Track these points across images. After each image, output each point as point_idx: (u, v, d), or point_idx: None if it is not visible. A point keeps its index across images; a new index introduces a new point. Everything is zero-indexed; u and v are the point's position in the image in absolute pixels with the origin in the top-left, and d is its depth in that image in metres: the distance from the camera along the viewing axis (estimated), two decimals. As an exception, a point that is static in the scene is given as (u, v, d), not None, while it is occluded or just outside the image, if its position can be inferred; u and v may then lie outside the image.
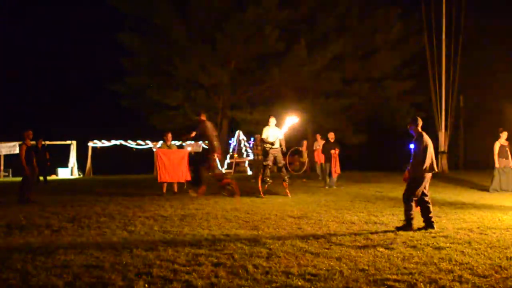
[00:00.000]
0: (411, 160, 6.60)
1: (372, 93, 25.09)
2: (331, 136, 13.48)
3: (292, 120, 11.14)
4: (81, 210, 8.74)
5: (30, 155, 10.02)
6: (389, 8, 24.67)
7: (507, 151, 11.85)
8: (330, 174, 13.38)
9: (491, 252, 5.05)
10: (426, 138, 6.59)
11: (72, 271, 4.42)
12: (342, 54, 24.40)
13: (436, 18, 21.64)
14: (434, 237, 5.89)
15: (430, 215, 6.51)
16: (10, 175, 20.12)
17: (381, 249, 5.21)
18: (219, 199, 10.59)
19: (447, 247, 5.29)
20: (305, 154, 17.60)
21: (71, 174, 21.07)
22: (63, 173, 20.83)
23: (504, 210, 8.33)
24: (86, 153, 21.39)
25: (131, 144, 22.18)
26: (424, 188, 6.56)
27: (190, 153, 11.12)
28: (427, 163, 6.42)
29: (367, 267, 4.48)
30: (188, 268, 4.52)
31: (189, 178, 11.69)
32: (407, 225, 6.42)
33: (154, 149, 22.07)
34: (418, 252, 5.08)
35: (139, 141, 22.41)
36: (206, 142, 9.99)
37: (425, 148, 6.47)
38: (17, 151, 15.06)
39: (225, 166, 23.40)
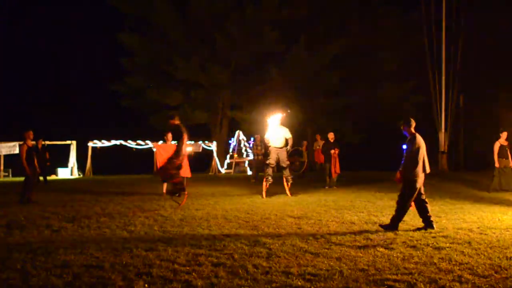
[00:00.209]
0: (402, 161, 6.59)
1: (372, 93, 25.10)
2: (331, 136, 13.48)
3: (276, 118, 11.07)
4: (81, 210, 8.74)
5: (31, 155, 10.01)
6: (389, 8, 24.69)
7: (507, 151, 11.84)
8: (330, 174, 13.39)
9: (491, 252, 5.05)
10: (419, 139, 6.56)
11: (72, 271, 4.42)
12: (342, 54, 24.42)
13: (436, 18, 21.64)
14: (434, 237, 5.89)
15: (428, 215, 6.51)
16: (10, 175, 20.11)
17: (381, 249, 5.21)
18: (219, 199, 10.59)
19: (447, 247, 5.29)
20: (304, 154, 17.59)
21: (71, 174, 21.07)
22: (63, 173, 20.83)
23: (504, 210, 8.33)
24: (86, 153, 21.39)
25: (131, 144, 22.18)
26: (420, 189, 6.54)
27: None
28: (419, 164, 6.40)
29: (367, 267, 4.48)
30: (188, 268, 4.52)
31: (189, 174, 11.68)
32: (392, 226, 6.40)
33: (154, 149, 22.10)
34: (418, 252, 5.08)
35: (139, 141, 22.41)
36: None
37: (418, 149, 6.46)
38: (17, 151, 15.09)
39: (225, 166, 23.42)
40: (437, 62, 21.95)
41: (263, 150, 11.86)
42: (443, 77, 21.51)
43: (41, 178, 15.15)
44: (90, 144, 21.29)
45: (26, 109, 32.38)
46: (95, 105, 32.53)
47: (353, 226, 6.81)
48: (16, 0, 35.88)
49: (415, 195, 6.48)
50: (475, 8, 22.45)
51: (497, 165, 11.79)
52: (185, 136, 9.43)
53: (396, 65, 25.47)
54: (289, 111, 11.49)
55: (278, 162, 11.16)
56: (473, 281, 4.04)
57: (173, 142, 12.03)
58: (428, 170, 6.58)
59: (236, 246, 5.43)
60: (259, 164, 16.02)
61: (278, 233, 6.29)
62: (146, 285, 4.01)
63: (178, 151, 9.43)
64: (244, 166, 23.21)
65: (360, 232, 6.27)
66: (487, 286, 3.95)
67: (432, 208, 8.69)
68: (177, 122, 9.64)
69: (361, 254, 5.00)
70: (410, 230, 6.38)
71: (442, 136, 21.74)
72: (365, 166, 21.54)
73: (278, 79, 23.83)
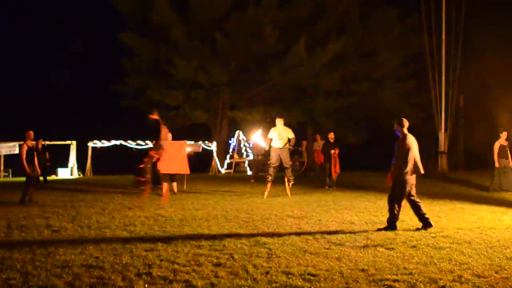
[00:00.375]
0: (392, 162, 6.58)
1: (372, 93, 25.09)
2: (331, 136, 13.49)
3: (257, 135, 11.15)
4: (81, 210, 8.74)
5: (31, 155, 10.02)
6: (389, 8, 24.69)
7: (507, 151, 11.85)
8: (330, 174, 13.39)
9: (491, 252, 5.05)
10: (411, 140, 6.54)
11: (72, 271, 4.42)
12: (342, 54, 24.41)
13: (436, 18, 21.64)
14: (434, 237, 5.89)
15: (422, 212, 6.48)
16: (10, 175, 20.11)
17: (381, 249, 5.21)
18: (219, 199, 10.59)
19: (447, 247, 5.29)
20: (304, 154, 17.61)
21: (71, 174, 21.07)
22: (63, 173, 20.83)
23: (504, 210, 8.33)
24: (86, 153, 21.39)
25: (131, 144, 22.18)
26: (410, 190, 6.52)
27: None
28: (409, 166, 6.38)
29: (367, 267, 4.48)
30: (188, 268, 4.52)
31: (187, 171, 11.70)
32: (389, 227, 6.40)
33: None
34: (418, 252, 5.08)
35: (139, 141, 22.41)
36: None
37: (409, 150, 6.44)
38: (17, 151, 15.09)
39: (225, 166, 23.42)
40: (437, 62, 21.95)
41: (267, 147, 11.75)
42: (443, 77, 21.50)
43: (41, 178, 15.16)
44: (90, 144, 21.29)
45: (26, 109, 32.39)
46: (95, 105, 32.51)
47: (353, 226, 6.81)
48: (16, 0, 35.89)
49: (405, 195, 6.45)
50: (475, 8, 22.44)
51: (497, 165, 11.79)
52: (163, 131, 9.49)
53: (396, 65, 25.47)
54: (276, 116, 11.45)
55: (280, 162, 11.14)
56: (473, 281, 4.04)
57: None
58: (421, 171, 6.53)
59: (236, 246, 5.43)
60: (259, 164, 16.05)
61: (278, 233, 6.29)
62: (146, 285, 4.01)
63: (156, 145, 9.50)
64: (244, 166, 23.22)
65: (360, 232, 6.27)
66: (487, 286, 3.95)
67: (432, 208, 8.71)
68: (155, 117, 9.68)
69: (361, 254, 5.00)
70: (410, 230, 6.37)
71: (442, 136, 21.74)
72: (365, 166, 21.55)
73: (278, 79, 23.83)
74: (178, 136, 14.31)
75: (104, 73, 28.40)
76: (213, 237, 6.05)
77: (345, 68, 24.69)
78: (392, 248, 5.27)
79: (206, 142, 23.48)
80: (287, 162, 11.08)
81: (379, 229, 6.44)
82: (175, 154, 11.46)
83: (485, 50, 22.79)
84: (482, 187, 12.83)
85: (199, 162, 23.65)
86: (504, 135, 11.93)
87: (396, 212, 6.44)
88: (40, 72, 34.36)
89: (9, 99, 31.82)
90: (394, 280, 4.07)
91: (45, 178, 15.69)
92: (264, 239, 5.83)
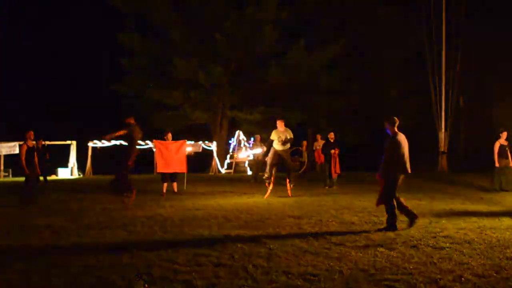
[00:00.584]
0: (382, 160, 6.59)
1: (372, 93, 25.10)
2: (331, 136, 13.49)
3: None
4: (81, 210, 8.74)
5: (31, 155, 10.02)
6: (389, 8, 24.69)
7: (507, 151, 11.85)
8: (330, 174, 13.39)
9: (491, 252, 5.05)
10: (401, 139, 6.55)
11: (72, 271, 4.42)
12: (342, 54, 24.42)
13: (436, 18, 21.64)
14: (434, 237, 5.89)
15: (405, 206, 6.49)
16: (10, 175, 20.11)
17: (381, 249, 5.21)
18: (219, 199, 10.59)
19: (447, 247, 5.29)
20: (305, 154, 17.60)
21: (71, 174, 21.07)
22: (63, 173, 20.83)
23: (504, 210, 8.33)
24: (86, 153, 21.39)
25: (131, 144, 22.14)
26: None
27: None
28: (399, 164, 6.39)
29: (367, 267, 4.48)
30: (188, 268, 4.52)
31: (185, 170, 11.72)
32: (390, 226, 6.40)
33: (155, 149, 22.10)
34: (418, 252, 5.08)
35: (139, 141, 22.40)
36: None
37: (399, 149, 6.45)
38: (17, 151, 15.08)
39: (225, 166, 23.41)
40: (437, 62, 21.95)
41: (265, 149, 11.81)
42: (443, 77, 21.51)
43: (41, 178, 15.15)
44: (90, 144, 21.29)
45: (26, 109, 32.39)
46: (95, 105, 32.50)
47: (353, 226, 6.81)
48: (16, 0, 35.90)
49: (396, 190, 6.45)
50: (475, 8, 22.45)
51: (497, 165, 11.79)
52: (134, 137, 9.54)
53: (396, 65, 25.48)
54: (277, 118, 11.47)
55: (280, 162, 11.14)
56: (473, 281, 4.04)
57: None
58: (409, 170, 6.54)
59: (236, 246, 5.43)
60: (259, 164, 16.04)
61: (279, 233, 6.29)
62: (146, 285, 4.01)
63: (130, 151, 9.54)
64: (244, 166, 23.21)
65: (360, 232, 6.27)
66: (487, 286, 3.95)
67: (432, 208, 8.72)
68: (131, 121, 9.72)
69: (361, 254, 5.00)
70: (411, 230, 6.37)
71: (442, 136, 21.75)
72: (365, 166, 21.55)
73: (278, 79, 23.82)
74: (178, 136, 14.34)
75: (104, 73, 28.38)
76: (213, 237, 6.05)
77: (345, 68, 24.69)
78: (392, 248, 5.27)
79: (206, 142, 23.48)
80: (288, 164, 11.06)
81: (379, 229, 6.43)
82: (174, 154, 11.49)
83: (485, 50, 22.81)
84: (482, 187, 12.83)
85: (199, 162, 23.65)
86: (504, 135, 11.93)
87: (393, 212, 6.44)
88: (40, 72, 34.35)
89: (9, 99, 31.82)
90: (394, 280, 4.07)
91: (45, 178, 15.69)
92: (264, 239, 5.83)
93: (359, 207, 9.01)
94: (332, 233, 6.23)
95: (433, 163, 22.00)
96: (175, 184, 11.68)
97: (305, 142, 18.20)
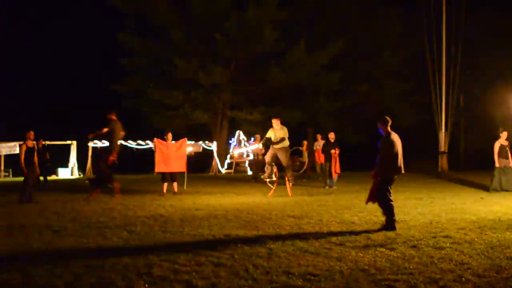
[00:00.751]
0: (376, 160, 6.59)
1: (372, 93, 25.10)
2: (331, 136, 13.50)
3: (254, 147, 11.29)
4: (81, 210, 8.74)
5: (30, 155, 10.03)
6: (389, 8, 24.69)
7: (507, 151, 11.85)
8: (330, 174, 13.40)
9: (491, 252, 5.05)
10: (395, 138, 6.56)
11: (72, 271, 4.42)
12: (342, 54, 24.41)
13: (436, 18, 21.64)
14: (434, 237, 5.88)
15: (393, 216, 6.51)
16: (10, 175, 20.13)
17: (381, 249, 5.21)
18: (219, 199, 10.59)
19: (448, 247, 5.29)
20: (305, 154, 17.59)
21: (71, 174, 21.08)
22: (63, 173, 20.84)
23: (504, 210, 8.33)
24: (86, 153, 21.40)
25: (131, 144, 22.19)
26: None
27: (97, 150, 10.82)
28: (393, 163, 6.40)
29: (367, 267, 4.48)
30: (188, 268, 4.52)
31: (184, 169, 11.74)
32: (390, 226, 6.39)
33: (155, 149, 22.10)
34: (419, 252, 5.08)
35: (140, 141, 22.41)
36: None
37: (392, 148, 6.47)
38: (17, 151, 15.07)
39: (225, 166, 23.42)
40: (437, 62, 21.95)
41: (263, 150, 11.89)
42: (443, 77, 21.51)
43: (41, 178, 15.16)
44: (90, 144, 21.29)
45: (26, 109, 32.39)
46: (95, 105, 32.49)
47: (353, 226, 6.81)
48: (16, 0, 35.90)
49: (390, 188, 6.45)
50: (475, 8, 22.45)
51: (497, 165, 11.79)
52: (116, 132, 9.57)
53: (396, 65, 25.47)
54: (272, 116, 11.56)
55: (279, 162, 11.15)
56: (473, 281, 4.04)
57: (173, 142, 12.06)
58: (402, 170, 6.55)
59: (237, 246, 5.43)
60: (259, 164, 16.04)
61: (279, 233, 6.29)
62: (146, 285, 4.01)
63: (112, 147, 9.58)
64: (244, 166, 23.22)
65: (361, 232, 6.27)
66: (487, 286, 3.95)
67: (432, 208, 8.72)
68: (113, 117, 9.76)
69: (361, 254, 5.00)
70: (411, 230, 6.37)
71: (442, 136, 21.74)
72: (365, 166, 21.55)
73: (278, 79, 23.83)
74: (178, 136, 14.33)
75: (104, 73, 28.37)
76: (214, 237, 6.05)
77: (345, 68, 24.68)
78: (393, 248, 5.26)
79: (207, 142, 23.49)
80: (286, 162, 11.07)
81: (379, 229, 6.43)
82: (174, 153, 11.50)
83: (486, 50, 22.81)
84: (483, 186, 12.83)
85: (200, 162, 23.66)
86: (504, 135, 11.92)
87: (391, 210, 6.44)
88: (40, 72, 34.35)
89: (9, 99, 31.82)
90: (395, 280, 4.07)
91: (45, 178, 15.69)
92: (264, 239, 5.83)
93: (359, 207, 9.00)
94: (332, 233, 6.23)
95: (433, 163, 21.99)
96: (175, 184, 11.68)
97: (305, 142, 18.18)
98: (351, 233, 6.24)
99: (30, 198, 9.96)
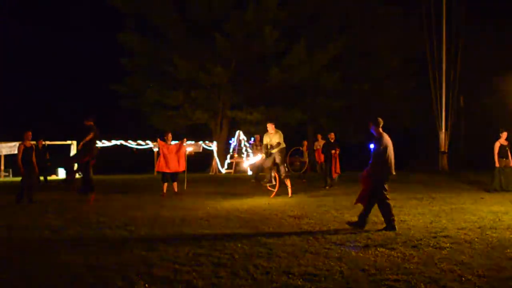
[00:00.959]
0: (370, 161, 6.59)
1: (372, 93, 25.10)
2: (331, 136, 13.50)
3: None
4: (81, 210, 8.74)
5: (28, 155, 10.05)
6: (389, 8, 24.69)
7: (507, 151, 11.85)
8: (330, 174, 13.40)
9: (492, 252, 5.05)
10: (387, 139, 6.56)
11: (72, 271, 4.42)
12: (342, 54, 24.42)
13: (436, 18, 21.65)
14: (434, 237, 5.88)
15: (366, 214, 6.53)
16: (11, 175, 20.14)
17: (381, 249, 5.20)
18: (219, 199, 10.59)
19: (448, 247, 5.29)
20: (305, 154, 17.57)
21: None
22: (64, 173, 20.83)
23: (504, 210, 8.33)
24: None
25: (131, 144, 22.19)
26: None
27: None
28: (386, 164, 6.41)
29: (367, 267, 4.48)
30: (188, 268, 4.52)
31: (184, 168, 11.76)
32: (390, 226, 6.40)
33: (155, 149, 22.12)
34: (419, 252, 5.08)
35: (140, 141, 22.42)
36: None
37: (385, 149, 6.46)
38: (17, 151, 15.10)
39: (226, 166, 23.42)
40: (437, 62, 21.96)
41: (263, 150, 11.90)
42: (444, 77, 21.52)
43: (41, 178, 15.16)
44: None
45: (26, 109, 32.40)
46: (95, 105, 32.51)
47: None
48: (16, 0, 35.91)
49: (382, 189, 6.46)
50: (475, 8, 22.46)
51: (497, 164, 11.79)
52: (91, 137, 9.62)
53: (397, 65, 25.47)
54: (268, 121, 11.57)
55: (275, 164, 11.14)
56: (473, 281, 4.04)
57: (173, 142, 12.07)
58: (393, 172, 6.56)
59: (237, 246, 5.43)
60: (260, 165, 16.03)
61: (279, 233, 6.29)
62: (146, 285, 4.01)
63: (88, 150, 9.64)
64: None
65: (361, 232, 6.27)
66: (488, 286, 3.94)
67: (433, 208, 8.72)
68: (90, 123, 9.84)
69: (361, 254, 5.00)
70: (411, 230, 6.38)
71: (442, 136, 21.75)
72: (365, 166, 21.53)
73: (278, 79, 23.83)
74: (178, 136, 14.38)
75: (104, 73, 28.39)
76: (214, 237, 6.05)
77: (345, 68, 24.69)
78: (393, 248, 5.26)
79: (207, 142, 23.49)
80: (280, 160, 11.03)
81: (379, 229, 6.44)
82: (174, 155, 11.52)
83: (486, 50, 22.81)
84: (483, 186, 12.83)
85: (200, 162, 23.65)
86: (504, 135, 11.93)
87: (388, 208, 6.44)
88: (40, 72, 34.35)
89: (9, 99, 31.82)
90: (395, 280, 4.07)
91: (45, 178, 15.70)
92: (264, 239, 5.83)
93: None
94: (332, 233, 6.23)
95: (434, 163, 21.99)
96: (175, 184, 11.69)
97: (305, 142, 18.18)
98: (351, 233, 6.24)
99: (31, 198, 9.96)
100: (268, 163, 11.08)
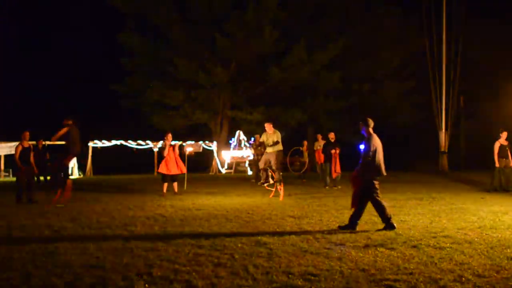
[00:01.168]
0: (360, 161, 6.60)
1: (372, 93, 25.10)
2: (331, 136, 13.50)
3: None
4: (81, 210, 8.74)
5: (26, 155, 10.07)
6: (389, 8, 24.70)
7: (507, 151, 11.86)
8: (330, 174, 13.40)
9: (492, 252, 5.05)
10: (376, 140, 6.57)
11: (72, 271, 4.42)
12: (342, 54, 24.42)
13: (436, 18, 21.66)
14: (434, 237, 5.88)
15: (360, 214, 6.52)
16: (11, 175, 20.14)
17: (381, 249, 5.20)
18: (219, 199, 10.59)
19: (448, 247, 5.28)
20: (305, 154, 17.58)
21: (71, 174, 21.06)
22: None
23: (504, 210, 8.33)
24: (86, 153, 21.40)
25: (131, 144, 22.19)
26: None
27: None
28: (376, 164, 6.42)
29: (367, 267, 4.47)
30: (188, 268, 4.52)
31: (184, 170, 11.76)
32: (389, 225, 6.40)
33: (155, 149, 22.12)
34: (419, 252, 5.08)
35: (140, 141, 22.42)
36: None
37: (375, 150, 6.47)
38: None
39: (226, 166, 23.42)
40: (437, 62, 21.96)
41: (263, 150, 11.93)
42: (444, 77, 21.52)
43: (41, 178, 15.16)
44: (91, 144, 21.29)
45: (25, 109, 32.41)
46: (95, 105, 32.54)
47: (353, 226, 6.79)
48: (16, 0, 35.91)
49: (374, 189, 6.47)
50: (476, 8, 22.46)
51: (497, 165, 11.80)
52: (73, 138, 9.69)
53: (396, 65, 25.48)
54: (265, 121, 11.59)
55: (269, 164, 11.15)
56: (473, 281, 4.04)
57: (173, 143, 12.06)
58: (383, 173, 6.57)
59: (237, 246, 5.43)
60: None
61: (279, 233, 6.29)
62: (146, 285, 4.01)
63: (68, 150, 9.69)
64: (245, 166, 23.21)
65: (361, 232, 6.27)
66: (488, 286, 3.94)
67: (433, 208, 8.72)
68: (69, 122, 9.88)
69: (361, 254, 4.99)
70: (411, 230, 6.37)
71: (442, 136, 21.75)
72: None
73: (278, 79, 23.84)
74: (178, 136, 14.39)
75: (104, 73, 28.40)
76: (214, 237, 6.05)
77: (345, 68, 24.69)
78: (393, 248, 5.26)
79: (207, 142, 23.48)
80: (275, 164, 11.05)
81: (379, 229, 6.44)
82: (173, 158, 11.53)
83: (486, 50, 22.81)
84: (483, 186, 12.83)
85: (200, 162, 23.65)
86: (504, 135, 11.94)
87: (386, 209, 6.45)
88: (40, 72, 34.37)
89: (9, 99, 31.83)
90: (395, 280, 4.07)
91: (45, 178, 15.69)
92: (264, 239, 5.83)
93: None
94: (332, 233, 6.22)
95: (433, 163, 21.99)
96: (175, 184, 11.68)
97: (305, 142, 18.19)
98: (352, 233, 6.24)
99: (30, 198, 9.97)
100: (262, 163, 11.10)
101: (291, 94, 25.49)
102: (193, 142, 21.24)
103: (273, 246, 5.41)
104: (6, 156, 20.11)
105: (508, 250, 5.13)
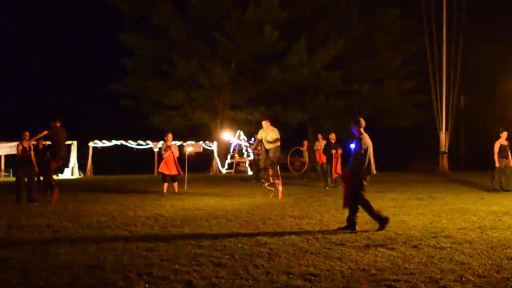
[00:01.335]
0: (351, 160, 6.61)
1: (372, 93, 25.10)
2: (332, 137, 13.50)
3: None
4: (81, 210, 8.74)
5: (26, 155, 10.06)
6: (389, 8, 24.71)
7: (507, 151, 11.85)
8: (331, 174, 13.41)
9: (492, 252, 5.04)
10: (367, 140, 6.59)
11: (72, 271, 4.41)
12: (342, 54, 24.43)
13: (436, 18, 21.66)
14: (435, 237, 5.88)
15: (355, 216, 6.52)
16: (11, 175, 20.14)
17: (381, 249, 5.20)
18: (219, 199, 10.59)
19: (448, 247, 5.28)
20: (305, 154, 17.59)
21: (72, 174, 21.08)
22: (64, 173, 20.84)
23: (504, 210, 8.32)
24: (87, 153, 21.40)
25: (131, 144, 22.19)
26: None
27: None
28: (366, 164, 6.43)
29: (368, 267, 4.47)
30: (188, 268, 4.52)
31: (181, 172, 11.77)
32: (381, 223, 6.41)
33: (155, 149, 22.12)
34: (419, 252, 5.07)
35: (140, 141, 22.42)
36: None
37: (366, 149, 6.49)
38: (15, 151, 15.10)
39: (226, 166, 23.42)
40: (438, 62, 21.96)
41: (259, 148, 11.92)
42: (444, 77, 21.52)
43: (41, 178, 15.16)
44: (91, 144, 21.29)
45: (25, 109, 32.39)
46: (95, 105, 32.52)
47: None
48: (16, 0, 35.90)
49: (364, 188, 6.49)
50: (476, 8, 22.45)
51: (497, 165, 11.79)
52: (59, 139, 9.71)
53: (396, 65, 25.49)
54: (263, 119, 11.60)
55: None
56: (474, 281, 4.03)
57: (173, 143, 12.06)
58: (374, 171, 6.59)
59: (237, 246, 5.42)
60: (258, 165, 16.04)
61: (279, 233, 6.28)
62: (146, 285, 4.01)
63: (55, 152, 9.71)
64: (245, 166, 23.22)
65: (361, 232, 6.27)
66: (488, 286, 3.94)
67: (433, 208, 8.71)
68: (56, 125, 9.89)
69: (362, 254, 4.99)
70: (411, 230, 6.37)
71: (442, 136, 21.75)
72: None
73: (278, 79, 23.84)
74: (178, 136, 14.38)
75: (104, 73, 28.40)
76: (214, 237, 6.04)
77: (345, 68, 24.70)
78: (393, 248, 5.26)
79: (207, 142, 23.48)
80: (273, 159, 11.00)
81: (378, 229, 6.44)
82: (172, 159, 11.54)
83: (486, 50, 22.81)
84: (483, 186, 12.83)
85: (200, 162, 23.64)
86: (504, 135, 11.93)
87: (370, 209, 6.45)
88: (40, 72, 34.35)
89: (9, 99, 31.82)
90: (395, 280, 4.06)
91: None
92: (265, 239, 5.83)
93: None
94: (332, 233, 6.22)
95: (434, 163, 21.98)
96: (175, 184, 11.68)
97: (305, 142, 18.19)
98: (352, 233, 6.24)
99: (30, 198, 9.97)
100: (263, 162, 11.08)
101: (291, 94, 25.50)
102: (193, 142, 21.24)
103: (273, 246, 5.41)
104: (6, 156, 20.10)
105: (509, 250, 5.13)
